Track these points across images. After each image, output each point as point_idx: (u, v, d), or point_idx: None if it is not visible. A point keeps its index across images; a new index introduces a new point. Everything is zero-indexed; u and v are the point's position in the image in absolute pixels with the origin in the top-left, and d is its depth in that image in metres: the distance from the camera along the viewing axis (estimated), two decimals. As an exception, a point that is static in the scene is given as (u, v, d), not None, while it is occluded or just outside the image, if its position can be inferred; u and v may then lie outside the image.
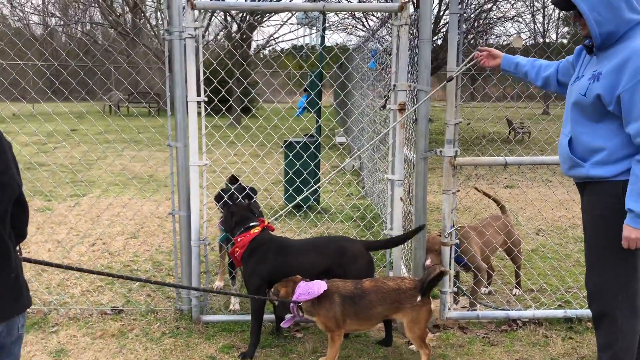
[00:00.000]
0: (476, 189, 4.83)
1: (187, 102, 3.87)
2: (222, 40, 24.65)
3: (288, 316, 3.43)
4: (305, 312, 3.34)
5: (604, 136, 2.77)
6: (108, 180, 9.44)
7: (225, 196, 4.29)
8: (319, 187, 7.25)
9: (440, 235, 4.02)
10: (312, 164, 6.73)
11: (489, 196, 4.74)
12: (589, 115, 2.81)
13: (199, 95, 3.89)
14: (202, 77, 3.89)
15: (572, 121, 2.89)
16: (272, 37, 20.37)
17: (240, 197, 4.32)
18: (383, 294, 3.30)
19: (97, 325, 3.97)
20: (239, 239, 3.63)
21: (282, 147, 7.19)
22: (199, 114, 3.93)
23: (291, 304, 3.32)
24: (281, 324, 3.48)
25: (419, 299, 3.27)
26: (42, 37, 28.40)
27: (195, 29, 3.81)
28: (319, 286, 3.27)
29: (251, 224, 3.68)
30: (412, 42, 4.02)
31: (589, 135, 2.82)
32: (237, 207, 3.83)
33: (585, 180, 2.91)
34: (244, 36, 17.94)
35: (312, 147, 7.03)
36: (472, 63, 3.57)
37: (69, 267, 2.47)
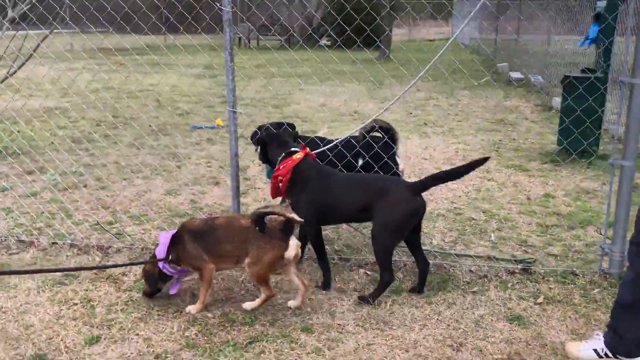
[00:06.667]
0: None
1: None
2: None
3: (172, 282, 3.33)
4: (172, 264, 3.19)
5: None
6: (318, 116, 9.06)
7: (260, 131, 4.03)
8: (600, 129, 6.41)
9: None
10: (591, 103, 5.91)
11: None
12: None
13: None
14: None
15: None
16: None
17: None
18: (232, 232, 3.12)
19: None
20: (281, 167, 3.43)
21: (560, 82, 6.44)
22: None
23: (161, 266, 3.17)
24: (169, 292, 3.32)
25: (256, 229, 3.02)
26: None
27: None
28: (167, 233, 3.21)
29: (292, 149, 3.47)
30: None
31: None
32: (274, 133, 3.70)
33: None
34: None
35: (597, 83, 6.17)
36: None
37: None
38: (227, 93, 3.73)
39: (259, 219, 3.02)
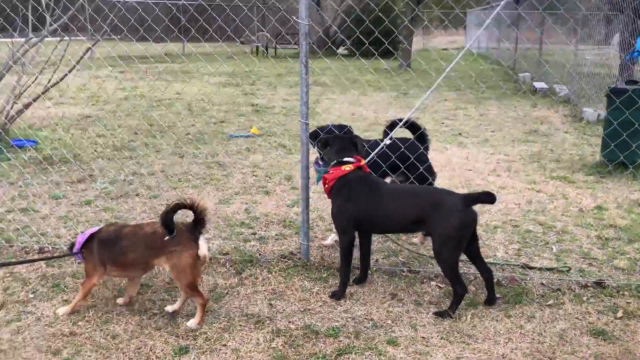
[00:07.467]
0: None
1: None
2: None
3: None
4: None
5: None
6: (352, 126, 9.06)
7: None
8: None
9: None
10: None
11: None
12: None
13: None
14: None
15: None
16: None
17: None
18: (136, 240, 3.13)
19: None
20: (330, 171, 3.50)
21: (606, 95, 6.44)
22: None
23: (78, 256, 3.27)
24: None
25: (166, 237, 3.02)
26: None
27: None
28: (87, 232, 3.24)
29: (345, 160, 3.50)
30: None
31: None
32: (336, 137, 3.68)
33: None
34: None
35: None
36: None
37: None
38: (300, 105, 3.76)
39: (167, 217, 2.98)
